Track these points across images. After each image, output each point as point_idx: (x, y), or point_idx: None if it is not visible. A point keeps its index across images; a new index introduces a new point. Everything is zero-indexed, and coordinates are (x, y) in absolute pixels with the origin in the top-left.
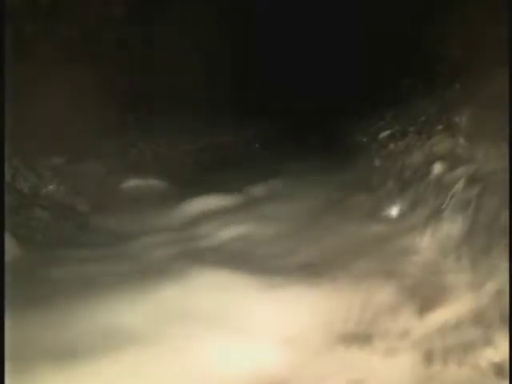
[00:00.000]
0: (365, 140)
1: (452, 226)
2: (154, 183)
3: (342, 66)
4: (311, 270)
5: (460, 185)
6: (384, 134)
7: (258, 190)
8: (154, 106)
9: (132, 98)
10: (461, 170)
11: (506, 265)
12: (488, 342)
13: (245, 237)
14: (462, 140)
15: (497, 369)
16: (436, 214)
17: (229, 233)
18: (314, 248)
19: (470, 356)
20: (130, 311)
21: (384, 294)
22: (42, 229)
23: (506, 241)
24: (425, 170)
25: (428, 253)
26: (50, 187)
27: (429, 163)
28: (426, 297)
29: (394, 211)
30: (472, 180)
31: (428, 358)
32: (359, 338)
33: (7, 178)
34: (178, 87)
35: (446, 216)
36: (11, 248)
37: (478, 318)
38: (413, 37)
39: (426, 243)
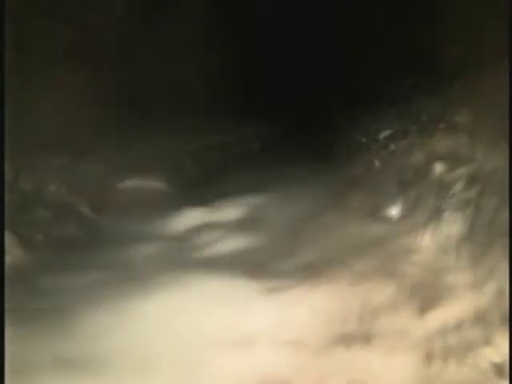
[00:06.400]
0: (364, 140)
1: (452, 226)
2: (153, 183)
3: (342, 66)
4: (311, 271)
5: (460, 184)
6: (385, 133)
7: (257, 190)
8: (153, 105)
9: (132, 97)
10: (461, 170)
11: (506, 265)
12: (488, 342)
13: (243, 239)
14: (463, 139)
15: (497, 369)
16: (436, 214)
17: (227, 235)
18: (314, 248)
19: (469, 356)
20: (127, 322)
21: (384, 293)
22: (43, 228)
23: (506, 241)
24: (425, 170)
25: (428, 253)
26: (52, 187)
27: (429, 163)
28: (425, 297)
29: (393, 211)
30: (472, 180)
31: (428, 358)
32: (359, 338)
33: (10, 177)
34: (177, 87)
35: (446, 216)
36: (13, 248)
37: (478, 318)
38: (413, 36)
39: (426, 243)
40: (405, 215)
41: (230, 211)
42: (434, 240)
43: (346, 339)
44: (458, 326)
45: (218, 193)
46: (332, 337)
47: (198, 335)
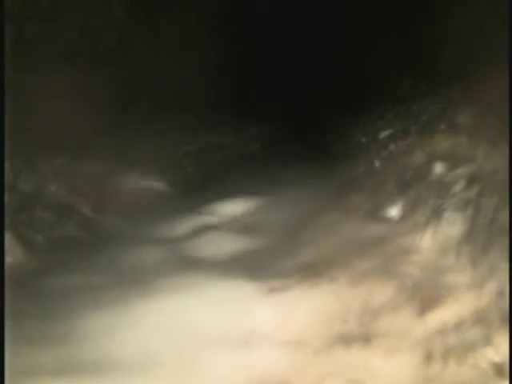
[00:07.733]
0: (364, 140)
1: (452, 226)
2: (153, 184)
3: (342, 65)
4: (311, 271)
5: (460, 184)
6: (384, 133)
7: (257, 190)
8: (153, 105)
9: (132, 97)
10: (461, 170)
11: (506, 265)
12: (488, 341)
13: (244, 240)
14: (464, 139)
15: (497, 369)
16: (436, 214)
17: (227, 236)
18: (314, 249)
19: (470, 356)
20: (128, 324)
21: (384, 294)
22: (43, 229)
23: (506, 241)
24: (425, 170)
25: (428, 253)
26: (52, 187)
27: (429, 163)
28: (426, 297)
29: (394, 211)
30: (472, 180)
31: (428, 357)
32: (359, 338)
33: (9, 178)
34: (177, 87)
35: (446, 216)
36: (13, 248)
37: (478, 318)
38: (413, 36)
39: (426, 243)
40: (405, 215)
41: (230, 212)
42: (434, 240)
43: (346, 339)
44: (458, 326)
45: (218, 193)
46: (332, 337)
47: (198, 336)
